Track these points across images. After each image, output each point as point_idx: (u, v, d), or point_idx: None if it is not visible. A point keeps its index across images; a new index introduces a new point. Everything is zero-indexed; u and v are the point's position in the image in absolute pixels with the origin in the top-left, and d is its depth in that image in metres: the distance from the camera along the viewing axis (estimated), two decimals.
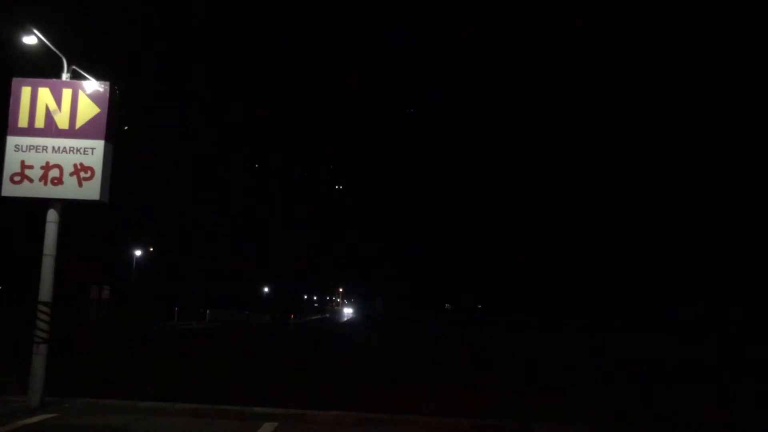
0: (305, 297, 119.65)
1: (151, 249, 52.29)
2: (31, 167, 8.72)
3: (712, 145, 65.24)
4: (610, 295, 68.90)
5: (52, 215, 8.89)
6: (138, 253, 48.16)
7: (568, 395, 12.05)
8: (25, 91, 8.87)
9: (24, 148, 8.74)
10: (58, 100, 8.86)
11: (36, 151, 8.75)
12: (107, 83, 8.96)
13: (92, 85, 8.96)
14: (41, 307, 8.78)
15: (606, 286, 69.62)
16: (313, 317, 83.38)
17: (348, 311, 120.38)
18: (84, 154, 8.78)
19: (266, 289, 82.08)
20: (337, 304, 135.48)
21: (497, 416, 9.41)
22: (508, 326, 57.06)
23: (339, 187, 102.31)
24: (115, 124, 9.12)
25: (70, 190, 8.76)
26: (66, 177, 8.74)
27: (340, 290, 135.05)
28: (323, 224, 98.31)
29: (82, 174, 8.76)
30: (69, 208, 9.17)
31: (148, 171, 54.94)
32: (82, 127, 8.84)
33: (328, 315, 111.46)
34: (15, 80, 8.93)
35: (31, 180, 8.71)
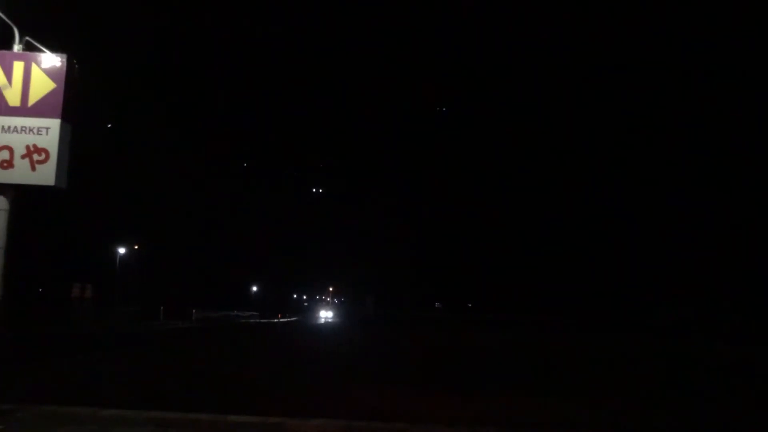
0: (294, 296, 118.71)
1: (136, 247, 51.21)
2: None
3: (701, 144, 64.83)
4: (601, 295, 68.45)
5: (2, 202, 7.96)
6: (122, 250, 47.04)
7: (566, 399, 11.27)
8: None
9: None
10: (8, 74, 7.93)
11: None
12: (64, 56, 8.04)
13: (48, 58, 8.04)
14: None
15: (597, 286, 69.18)
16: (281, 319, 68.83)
17: (327, 314, 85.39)
18: (38, 134, 7.86)
19: (255, 288, 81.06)
20: (327, 303, 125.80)
21: (494, 422, 8.60)
22: (499, 325, 56.34)
23: (320, 190, 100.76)
24: (74, 101, 8.20)
25: (22, 174, 7.82)
26: (17, 160, 7.81)
27: (330, 289, 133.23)
28: (312, 223, 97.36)
29: (36, 156, 7.83)
30: (26, 194, 8.29)
31: (133, 168, 53.99)
32: (36, 104, 7.92)
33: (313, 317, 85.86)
34: None
35: None
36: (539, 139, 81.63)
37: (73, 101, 8.19)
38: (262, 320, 61.37)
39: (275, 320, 57.04)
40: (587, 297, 69.17)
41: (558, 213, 78.24)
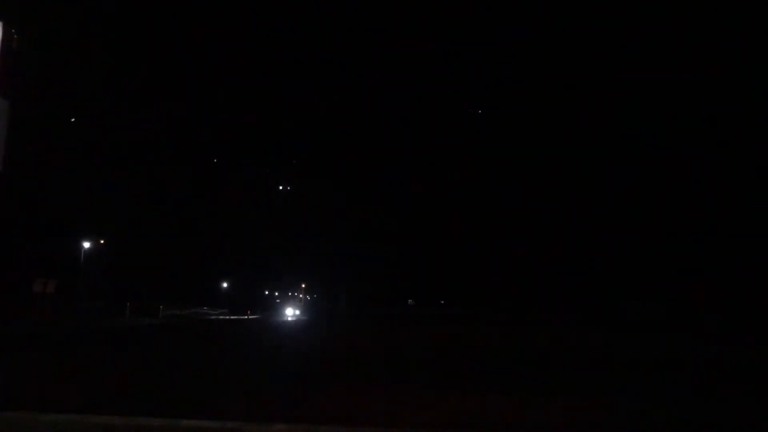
0: (266, 292, 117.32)
1: (102, 241, 49.82)
2: None
3: (674, 138, 65.21)
4: (574, 290, 68.78)
5: None
6: (87, 245, 45.65)
7: (550, 398, 10.78)
8: None
9: None
10: None
11: None
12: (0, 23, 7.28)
13: None
14: None
15: (571, 281, 69.49)
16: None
17: (294, 311, 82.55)
18: None
19: (225, 285, 79.80)
20: (297, 299, 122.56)
21: (475, 426, 8.07)
22: (473, 321, 56.14)
23: (288, 188, 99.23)
24: (12, 75, 7.44)
25: None
26: None
27: (303, 286, 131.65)
28: (285, 219, 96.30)
29: None
30: None
31: (99, 160, 52.65)
32: None
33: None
34: None
35: None
36: (511, 136, 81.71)
37: (11, 75, 7.44)
38: (232, 317, 60.32)
39: (245, 317, 56.13)
40: (560, 294, 69.45)
41: (528, 212, 78.46)
